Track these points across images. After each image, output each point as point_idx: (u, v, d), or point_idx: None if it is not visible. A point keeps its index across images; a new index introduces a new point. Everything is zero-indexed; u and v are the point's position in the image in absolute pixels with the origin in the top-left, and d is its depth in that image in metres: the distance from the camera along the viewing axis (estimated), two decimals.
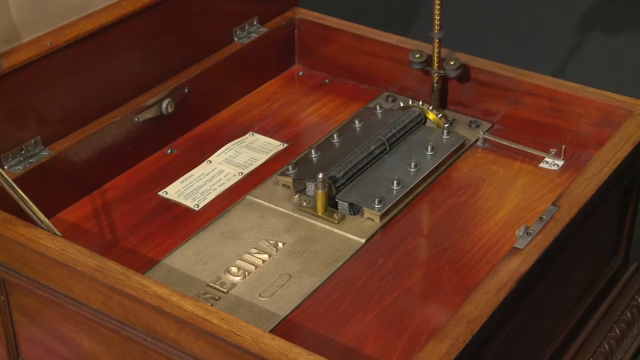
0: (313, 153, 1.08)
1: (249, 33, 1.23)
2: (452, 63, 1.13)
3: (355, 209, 1.01)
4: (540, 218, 0.89)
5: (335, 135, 1.11)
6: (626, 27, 2.01)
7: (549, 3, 2.25)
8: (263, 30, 1.24)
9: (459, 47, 1.15)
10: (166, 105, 1.10)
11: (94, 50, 1.04)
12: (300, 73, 1.27)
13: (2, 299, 0.92)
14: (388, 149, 1.09)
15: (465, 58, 1.15)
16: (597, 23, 2.04)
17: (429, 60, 1.15)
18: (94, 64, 1.04)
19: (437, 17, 1.11)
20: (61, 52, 1.00)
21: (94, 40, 1.03)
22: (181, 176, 1.08)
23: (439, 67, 1.13)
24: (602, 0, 2.11)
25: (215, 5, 1.17)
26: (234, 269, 0.94)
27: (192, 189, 1.06)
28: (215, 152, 1.12)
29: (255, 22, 1.24)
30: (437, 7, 1.11)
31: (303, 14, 1.27)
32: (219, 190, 1.06)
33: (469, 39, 1.14)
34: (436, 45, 1.12)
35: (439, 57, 1.13)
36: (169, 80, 1.13)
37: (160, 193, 1.05)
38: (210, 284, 0.92)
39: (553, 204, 0.91)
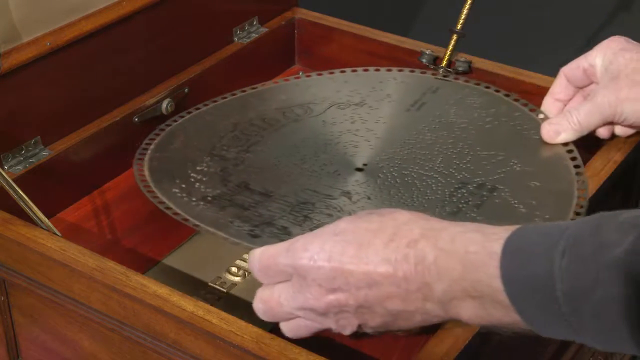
0: None
1: (249, 33, 1.23)
2: (462, 58, 1.13)
3: None
4: None
5: None
6: (626, 27, 2.01)
7: (549, 3, 2.25)
8: (263, 30, 1.24)
9: (459, 47, 1.15)
10: (166, 105, 1.10)
11: (94, 50, 1.04)
12: (300, 73, 1.27)
13: (2, 299, 0.92)
14: None
15: (465, 58, 1.15)
16: (597, 23, 2.04)
17: (435, 59, 1.15)
18: (94, 64, 1.04)
19: (464, 13, 1.12)
20: (61, 52, 1.00)
21: (94, 40, 1.03)
22: None
23: (448, 64, 1.13)
24: (601, 1, 2.11)
25: (215, 5, 1.17)
26: (234, 269, 0.94)
27: None
28: None
29: (255, 22, 1.24)
30: (469, 2, 1.11)
31: (303, 14, 1.27)
32: None
33: (469, 39, 1.14)
34: (453, 40, 1.13)
35: (451, 53, 1.13)
36: (169, 80, 1.13)
37: None
38: (210, 284, 0.92)
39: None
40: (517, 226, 0.65)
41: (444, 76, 1.10)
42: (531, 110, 1.02)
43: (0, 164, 0.97)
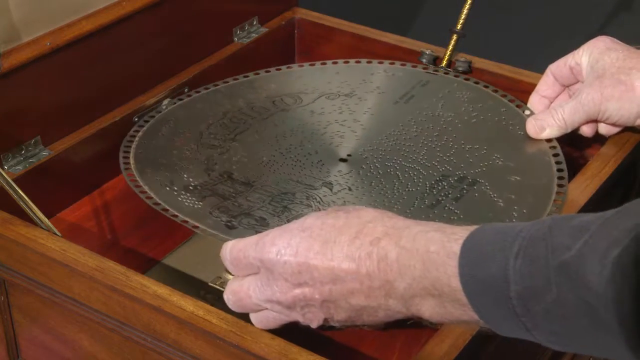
0: None
1: (249, 33, 1.23)
2: (462, 58, 1.14)
3: None
4: None
5: None
6: (626, 27, 2.01)
7: (549, 3, 2.25)
8: (263, 30, 1.24)
9: (459, 47, 1.15)
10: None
11: (94, 50, 1.04)
12: None
13: (2, 299, 0.92)
14: None
15: (465, 58, 1.15)
16: (597, 23, 2.04)
17: (435, 59, 1.16)
18: (94, 64, 1.04)
19: (464, 13, 1.12)
20: (61, 52, 1.00)
21: (94, 40, 1.03)
22: None
23: (448, 64, 1.13)
24: (601, 1, 2.11)
25: (215, 5, 1.17)
26: None
27: None
28: None
29: (255, 22, 1.24)
30: (469, 2, 1.11)
31: (303, 14, 1.27)
32: None
33: (469, 39, 1.14)
34: (453, 40, 1.13)
35: (451, 53, 1.13)
36: (169, 80, 1.13)
37: None
38: (210, 284, 0.92)
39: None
40: (476, 226, 0.67)
41: (435, 71, 1.11)
42: (518, 106, 1.04)
43: (0, 164, 0.97)
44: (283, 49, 1.27)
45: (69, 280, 0.85)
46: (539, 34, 2.13)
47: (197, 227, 0.86)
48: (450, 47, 1.13)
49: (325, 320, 0.73)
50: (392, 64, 1.13)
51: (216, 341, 0.77)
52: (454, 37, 1.13)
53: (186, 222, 0.87)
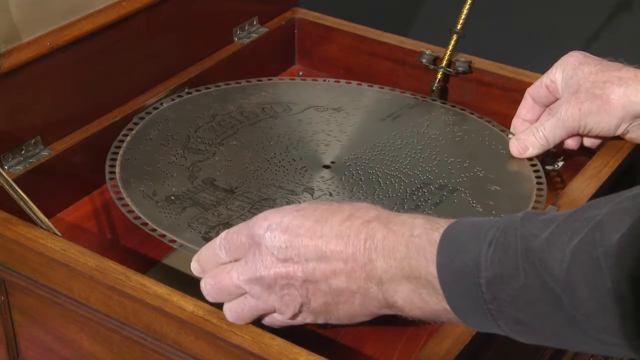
0: None
1: (249, 33, 1.23)
2: (462, 58, 1.14)
3: None
4: None
5: None
6: (626, 27, 2.01)
7: (549, 3, 2.25)
8: (263, 30, 1.24)
9: (459, 47, 1.15)
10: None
11: (94, 50, 1.04)
12: (300, 73, 1.27)
13: (2, 299, 0.92)
14: None
15: (465, 58, 1.15)
16: (597, 23, 2.04)
17: (435, 59, 1.16)
18: (94, 64, 1.04)
19: (464, 13, 1.12)
20: (61, 52, 1.00)
21: (94, 40, 1.03)
22: None
23: (448, 64, 1.14)
24: (601, 1, 2.11)
25: (215, 5, 1.17)
26: None
27: None
28: None
29: (255, 22, 1.24)
30: (469, 3, 1.12)
31: (303, 14, 1.27)
32: None
33: (469, 39, 1.14)
34: (453, 40, 1.13)
35: (451, 53, 1.14)
36: (169, 80, 1.13)
37: None
38: None
39: (553, 204, 0.91)
40: (455, 220, 0.70)
41: (423, 97, 1.11)
42: (502, 130, 1.06)
43: (0, 164, 0.97)
44: (283, 49, 1.27)
45: (69, 280, 0.85)
46: (539, 34, 2.14)
47: (174, 241, 0.87)
48: (450, 47, 1.14)
49: (301, 306, 0.74)
50: (382, 88, 1.15)
51: (216, 341, 0.77)
52: (454, 37, 1.13)
53: (164, 236, 0.88)
